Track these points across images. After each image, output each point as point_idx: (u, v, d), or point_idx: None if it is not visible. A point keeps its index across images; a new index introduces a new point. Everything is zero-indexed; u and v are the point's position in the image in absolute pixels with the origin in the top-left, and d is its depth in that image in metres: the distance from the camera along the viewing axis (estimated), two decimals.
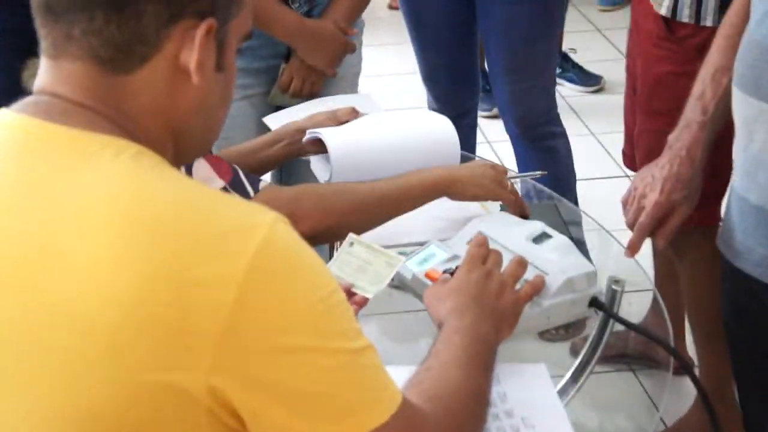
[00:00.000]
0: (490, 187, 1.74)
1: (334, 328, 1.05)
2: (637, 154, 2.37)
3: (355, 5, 2.42)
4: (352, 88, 2.52)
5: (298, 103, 2.29)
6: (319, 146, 1.86)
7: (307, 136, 1.86)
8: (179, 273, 0.98)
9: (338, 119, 1.93)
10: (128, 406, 0.99)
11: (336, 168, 1.79)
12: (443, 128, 1.91)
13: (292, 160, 1.95)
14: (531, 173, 2.12)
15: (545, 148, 2.93)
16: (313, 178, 1.91)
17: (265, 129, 2.09)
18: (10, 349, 1.01)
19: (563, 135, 2.95)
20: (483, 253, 1.45)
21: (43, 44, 1.10)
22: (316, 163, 1.87)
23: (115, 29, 1.06)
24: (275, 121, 2.08)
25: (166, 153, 1.11)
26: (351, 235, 1.60)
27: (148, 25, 1.06)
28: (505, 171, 1.78)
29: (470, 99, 2.97)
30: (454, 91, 2.95)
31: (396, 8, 5.34)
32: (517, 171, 2.69)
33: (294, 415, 1.02)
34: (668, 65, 2.26)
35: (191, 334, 0.98)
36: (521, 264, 1.45)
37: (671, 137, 1.71)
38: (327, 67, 2.41)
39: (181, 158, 1.17)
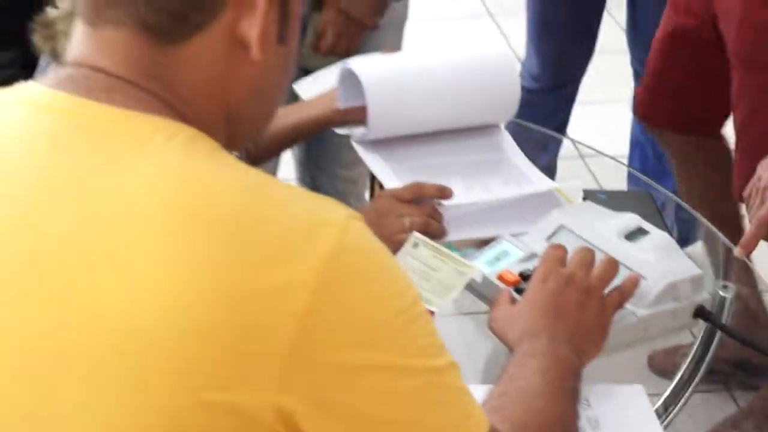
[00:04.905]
0: None
1: (415, 344, 1.05)
2: (736, 118, 2.40)
3: None
4: (397, 39, 2.49)
5: (332, 62, 2.26)
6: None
7: (339, 67, 1.89)
8: (244, 281, 0.99)
9: None
10: (184, 428, 1.00)
11: (372, 102, 1.83)
12: (502, 64, 1.95)
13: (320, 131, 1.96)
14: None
15: None
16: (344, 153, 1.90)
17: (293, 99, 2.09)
18: (55, 367, 1.02)
19: None
20: (561, 254, 1.46)
21: (81, 8, 1.10)
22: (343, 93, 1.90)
23: None
24: (308, 87, 2.06)
25: (218, 138, 1.12)
26: (415, 235, 1.59)
27: None
28: None
29: (583, 64, 3.01)
30: (568, 53, 3.00)
31: None
32: None
33: None
34: None
35: (257, 348, 0.99)
36: (611, 264, 1.45)
37: None
38: (368, 18, 2.36)
39: (232, 144, 1.16)
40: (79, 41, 1.11)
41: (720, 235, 1.87)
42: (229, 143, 1.15)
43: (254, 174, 1.08)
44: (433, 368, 1.06)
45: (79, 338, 1.01)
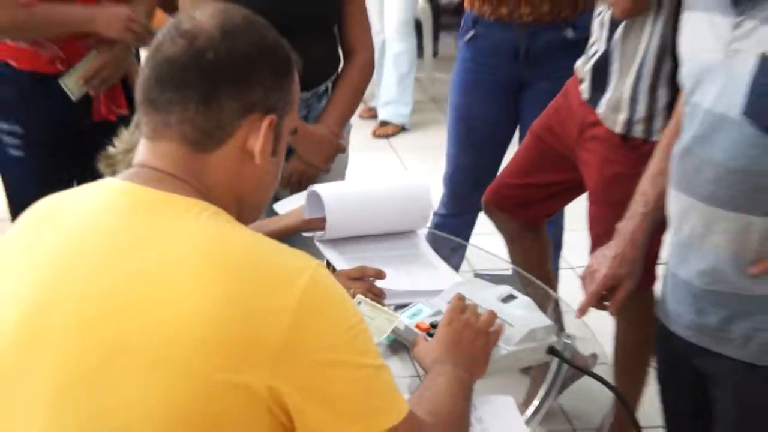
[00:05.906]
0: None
1: (363, 348, 1.36)
2: (590, 235, 2.92)
3: (345, 113, 2.99)
4: (341, 178, 3.07)
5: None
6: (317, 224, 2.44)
7: (307, 191, 2.43)
8: (248, 302, 1.30)
9: None
10: (207, 399, 1.27)
11: (330, 214, 2.37)
12: (417, 191, 2.53)
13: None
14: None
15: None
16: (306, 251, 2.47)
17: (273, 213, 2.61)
18: (126, 357, 1.31)
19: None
20: (461, 305, 1.88)
21: (144, 129, 1.45)
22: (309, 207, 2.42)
23: (202, 118, 1.40)
24: (283, 206, 2.60)
25: (231, 214, 1.44)
26: (359, 296, 2.05)
27: (227, 117, 1.41)
28: None
29: (479, 201, 3.49)
30: (474, 191, 3.51)
31: (365, 116, 6.06)
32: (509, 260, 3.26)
33: (331, 414, 1.34)
34: (623, 167, 2.77)
35: (256, 346, 1.29)
36: (492, 315, 1.92)
37: (619, 225, 2.20)
38: (323, 165, 2.94)
39: (240, 221, 1.45)
40: (142, 151, 1.45)
41: (556, 295, 2.35)
42: (238, 219, 1.44)
43: (257, 236, 1.41)
44: (374, 365, 1.37)
45: (138, 332, 1.29)
